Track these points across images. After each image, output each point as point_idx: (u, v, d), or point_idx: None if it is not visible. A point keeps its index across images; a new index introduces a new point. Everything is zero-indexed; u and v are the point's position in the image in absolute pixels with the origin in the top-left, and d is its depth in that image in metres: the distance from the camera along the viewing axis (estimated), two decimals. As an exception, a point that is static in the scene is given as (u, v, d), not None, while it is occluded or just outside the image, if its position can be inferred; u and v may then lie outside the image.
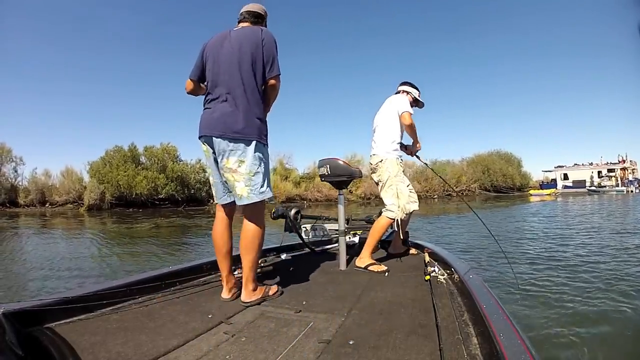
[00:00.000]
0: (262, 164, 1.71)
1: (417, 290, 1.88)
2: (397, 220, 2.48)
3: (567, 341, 2.44)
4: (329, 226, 3.33)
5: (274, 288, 1.85)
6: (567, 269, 4.28)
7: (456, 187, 30.29)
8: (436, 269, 2.13)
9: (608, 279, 3.82)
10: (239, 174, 1.66)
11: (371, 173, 2.75)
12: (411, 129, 2.63)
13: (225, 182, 1.75)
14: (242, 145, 1.65)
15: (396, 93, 2.85)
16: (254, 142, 1.67)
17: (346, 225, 2.68)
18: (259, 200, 1.70)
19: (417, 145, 2.84)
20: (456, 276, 1.90)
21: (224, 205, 1.83)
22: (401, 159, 2.68)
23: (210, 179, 1.84)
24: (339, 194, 2.50)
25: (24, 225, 12.91)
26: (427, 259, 2.35)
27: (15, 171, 23.98)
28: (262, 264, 2.41)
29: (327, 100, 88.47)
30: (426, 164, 2.96)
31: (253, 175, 1.67)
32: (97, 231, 10.49)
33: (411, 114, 2.59)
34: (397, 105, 2.64)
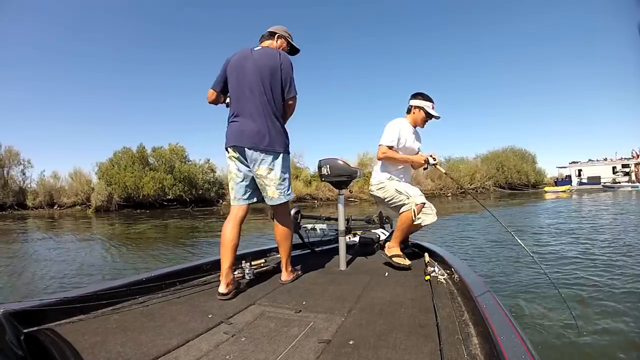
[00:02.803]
0: (288, 171, 1.99)
1: (417, 290, 1.87)
2: (413, 209, 2.39)
3: (568, 341, 2.43)
4: (329, 226, 3.33)
5: (301, 273, 2.22)
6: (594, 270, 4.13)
7: (470, 185, 29.55)
8: (436, 269, 2.12)
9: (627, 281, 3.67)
10: (269, 179, 1.92)
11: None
12: (388, 161, 2.59)
13: (248, 185, 2.00)
14: (271, 156, 1.92)
15: (408, 109, 2.71)
16: (281, 154, 1.95)
17: (346, 225, 2.70)
18: (287, 200, 2.00)
19: (421, 158, 2.62)
20: (456, 276, 1.90)
21: (240, 206, 2.01)
22: (391, 176, 2.62)
23: (231, 182, 2.03)
24: (339, 194, 2.51)
25: (32, 228, 12.93)
26: (427, 259, 2.34)
27: (24, 174, 24.35)
28: (262, 264, 2.41)
29: (339, 98, 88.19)
30: (446, 173, 3.03)
31: (282, 181, 1.96)
32: (102, 233, 10.49)
33: (389, 147, 2.53)
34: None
